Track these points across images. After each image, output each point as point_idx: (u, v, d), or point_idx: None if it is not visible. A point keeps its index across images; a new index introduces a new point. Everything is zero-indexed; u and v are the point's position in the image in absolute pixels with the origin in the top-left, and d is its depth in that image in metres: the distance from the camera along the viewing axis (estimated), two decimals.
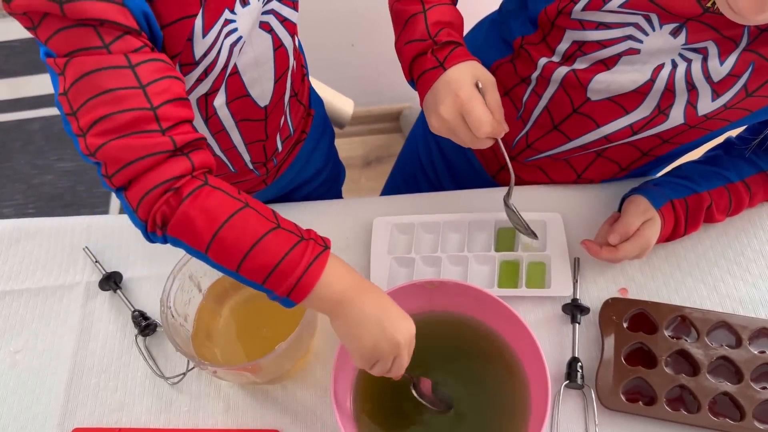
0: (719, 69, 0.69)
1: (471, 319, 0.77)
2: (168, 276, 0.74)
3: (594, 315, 0.81)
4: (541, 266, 0.85)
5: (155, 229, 0.58)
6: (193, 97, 0.70)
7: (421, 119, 1.12)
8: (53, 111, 2.12)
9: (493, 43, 0.88)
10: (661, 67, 0.72)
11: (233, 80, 0.73)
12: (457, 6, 0.81)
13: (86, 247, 0.92)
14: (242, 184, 0.92)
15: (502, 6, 0.91)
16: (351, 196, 1.36)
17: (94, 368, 0.83)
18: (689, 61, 0.70)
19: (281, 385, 0.79)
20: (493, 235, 0.87)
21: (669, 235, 0.83)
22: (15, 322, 0.87)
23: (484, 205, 0.91)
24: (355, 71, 1.77)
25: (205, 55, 0.65)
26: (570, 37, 0.76)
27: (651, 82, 0.73)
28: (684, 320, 0.79)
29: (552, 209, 0.89)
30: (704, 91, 0.72)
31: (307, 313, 0.71)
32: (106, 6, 0.54)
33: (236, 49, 0.69)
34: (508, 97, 0.87)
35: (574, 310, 0.80)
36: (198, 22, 0.62)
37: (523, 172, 0.95)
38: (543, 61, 0.80)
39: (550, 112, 0.84)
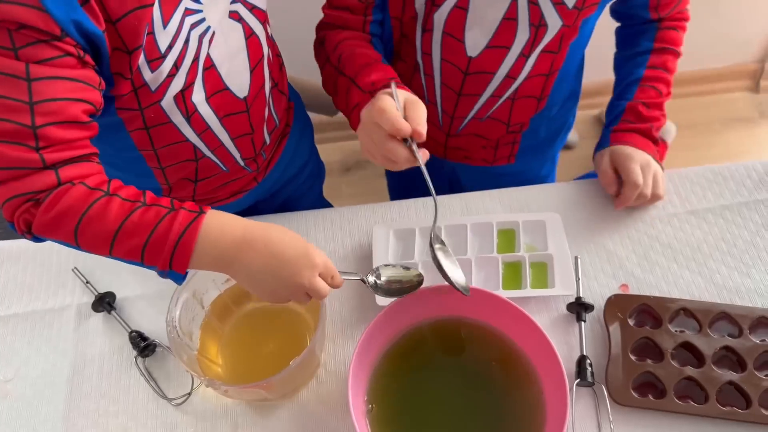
0: None
1: (481, 323, 0.77)
2: (172, 294, 0.72)
3: (598, 312, 0.82)
4: (543, 266, 0.85)
5: (23, 232, 0.60)
6: (170, 95, 0.69)
7: None
8: None
9: (387, 53, 0.93)
10: None
11: (210, 74, 0.72)
12: None
13: (75, 268, 0.88)
14: (235, 183, 0.91)
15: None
16: (333, 203, 1.36)
17: (92, 393, 0.80)
18: None
19: (290, 400, 0.78)
20: (494, 237, 0.87)
21: (649, 139, 0.89)
22: (3, 350, 0.84)
23: (481, 207, 0.91)
24: None
25: (170, 46, 0.64)
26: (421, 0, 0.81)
27: (515, 1, 0.77)
28: (686, 313, 0.80)
29: (551, 209, 0.90)
30: None
31: (319, 328, 0.70)
32: (25, 11, 0.53)
33: (206, 39, 0.68)
34: (411, 90, 0.91)
35: (578, 308, 0.81)
36: (156, 12, 0.62)
37: (461, 143, 1.01)
38: (418, 38, 0.85)
39: (447, 84, 0.90)
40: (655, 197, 0.88)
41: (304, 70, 1.15)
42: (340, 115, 1.96)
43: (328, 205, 1.32)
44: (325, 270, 0.66)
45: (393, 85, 0.73)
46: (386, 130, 0.69)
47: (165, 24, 0.63)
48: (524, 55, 0.84)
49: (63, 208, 0.58)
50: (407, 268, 0.76)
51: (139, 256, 0.60)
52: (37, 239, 0.62)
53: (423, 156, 0.71)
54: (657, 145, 0.91)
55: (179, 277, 0.62)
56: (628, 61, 0.95)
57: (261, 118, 0.85)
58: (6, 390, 0.81)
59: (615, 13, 0.96)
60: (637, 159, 0.87)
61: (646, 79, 0.92)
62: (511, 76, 0.87)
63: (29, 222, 0.59)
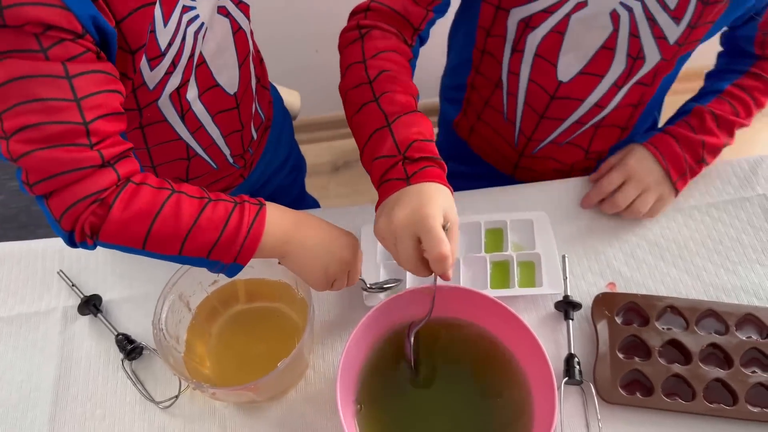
0: None
1: (468, 323, 0.77)
2: (158, 297, 0.72)
3: (585, 311, 0.82)
4: (530, 265, 0.85)
5: (84, 239, 0.58)
6: (166, 93, 0.69)
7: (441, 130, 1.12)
8: None
9: (462, 62, 0.91)
10: (617, 15, 0.74)
11: (201, 70, 0.72)
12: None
13: (61, 270, 0.88)
14: (223, 181, 0.91)
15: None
16: (322, 203, 1.36)
17: (78, 397, 0.79)
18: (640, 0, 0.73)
19: (278, 402, 0.77)
20: (482, 237, 0.87)
21: (684, 152, 0.85)
22: None
23: (469, 206, 0.91)
24: (320, 77, 1.75)
25: (170, 44, 0.64)
26: (515, 18, 0.77)
27: (615, 32, 0.75)
28: (673, 310, 0.81)
29: (538, 208, 0.90)
30: (665, 21, 0.74)
31: (307, 329, 0.69)
32: (49, 11, 0.52)
33: (200, 35, 0.68)
34: (489, 107, 0.91)
35: (566, 306, 0.81)
36: (157, 10, 0.61)
37: (534, 163, 0.97)
38: (506, 57, 0.82)
39: (531, 105, 0.87)
40: (630, 212, 0.86)
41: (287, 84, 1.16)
42: (329, 115, 1.96)
43: (311, 199, 1.32)
44: (360, 252, 0.71)
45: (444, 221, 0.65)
46: (433, 269, 0.65)
47: (165, 22, 0.63)
48: (617, 86, 0.82)
49: (137, 208, 0.58)
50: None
51: (207, 252, 0.61)
52: (98, 245, 0.60)
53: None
54: (696, 166, 0.86)
55: (238, 270, 0.64)
56: (716, 75, 0.91)
57: (249, 114, 0.86)
58: None
59: (722, 43, 0.92)
60: (636, 171, 0.84)
61: (727, 93, 0.87)
62: (599, 105, 0.85)
63: (95, 226, 0.57)
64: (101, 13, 0.56)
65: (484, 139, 1.00)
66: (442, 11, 0.81)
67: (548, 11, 0.75)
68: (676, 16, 0.73)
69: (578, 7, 0.73)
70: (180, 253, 0.60)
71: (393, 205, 0.66)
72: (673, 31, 0.75)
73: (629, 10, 0.73)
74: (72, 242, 0.59)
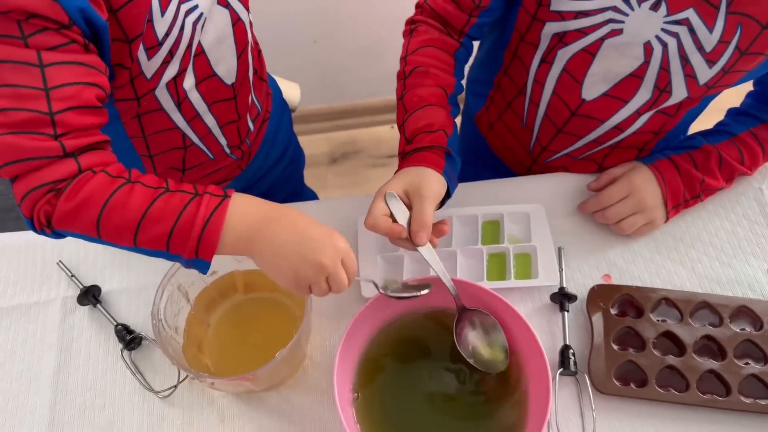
0: (709, 38, 0.70)
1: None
2: (157, 288, 0.72)
3: (581, 302, 0.83)
4: (527, 257, 0.86)
5: (42, 227, 0.59)
6: (163, 82, 0.70)
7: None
8: None
9: (492, 59, 0.91)
10: (650, 47, 0.73)
11: (199, 60, 0.73)
12: None
13: (60, 261, 0.88)
14: (221, 171, 0.91)
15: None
16: (320, 195, 1.36)
17: (78, 386, 0.80)
18: (676, 36, 0.72)
19: (276, 391, 0.78)
20: (479, 229, 0.88)
21: (683, 185, 0.85)
22: None
23: (467, 199, 0.91)
24: (318, 67, 1.75)
25: (167, 34, 0.65)
26: (550, 31, 0.77)
27: (646, 64, 0.75)
28: (668, 303, 0.81)
29: (535, 200, 0.90)
30: (698, 62, 0.73)
31: (304, 319, 0.70)
32: (36, 1, 0.52)
33: (199, 26, 0.69)
34: (510, 109, 0.91)
35: (562, 298, 0.82)
36: (154, 0, 0.61)
37: (547, 171, 0.97)
38: (534, 66, 0.81)
39: (551, 118, 0.87)
40: (615, 227, 0.86)
41: (284, 75, 1.16)
42: (327, 105, 1.97)
43: (309, 191, 1.32)
44: (347, 258, 0.64)
45: (386, 196, 0.72)
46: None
47: (163, 11, 0.63)
48: (639, 113, 0.82)
49: (85, 195, 0.57)
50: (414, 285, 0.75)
51: (165, 245, 0.58)
52: (56, 234, 0.60)
53: (438, 233, 0.72)
54: (691, 201, 0.86)
55: (205, 266, 0.60)
56: (737, 116, 0.89)
57: (246, 105, 0.86)
58: None
59: (754, 84, 0.89)
60: (639, 190, 0.83)
61: (739, 139, 0.86)
62: (619, 128, 0.85)
63: (50, 214, 0.57)
64: (93, 5, 0.56)
65: (501, 139, 1.00)
66: (488, 17, 0.82)
67: (583, 32, 0.75)
68: (710, 59, 0.73)
69: (613, 33, 0.73)
70: (135, 244, 0.58)
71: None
72: (704, 73, 0.75)
73: (664, 45, 0.73)
74: (34, 229, 0.59)
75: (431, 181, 0.72)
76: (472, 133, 1.08)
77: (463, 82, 0.86)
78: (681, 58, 0.73)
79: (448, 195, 0.76)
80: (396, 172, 0.76)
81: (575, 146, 0.91)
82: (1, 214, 1.84)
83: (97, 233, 0.58)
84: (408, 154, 0.76)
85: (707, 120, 0.92)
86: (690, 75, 0.75)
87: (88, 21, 0.56)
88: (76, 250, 0.90)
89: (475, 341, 0.75)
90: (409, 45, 0.83)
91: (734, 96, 0.91)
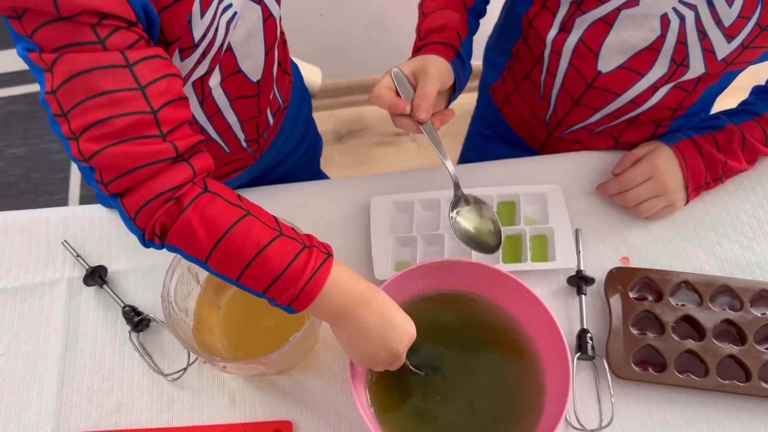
0: (729, 12, 0.68)
1: (480, 297, 0.76)
2: (167, 269, 0.70)
3: (599, 286, 0.81)
4: (543, 239, 0.84)
5: (153, 238, 0.56)
6: (191, 81, 0.67)
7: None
8: None
9: (511, 27, 0.88)
10: (667, 19, 0.71)
11: (227, 57, 0.70)
12: None
13: (65, 240, 0.86)
14: (234, 163, 0.89)
15: None
16: (326, 172, 1.34)
17: (85, 369, 0.78)
18: (695, 8, 0.70)
19: (288, 375, 0.77)
20: (494, 209, 0.86)
21: (705, 168, 0.83)
22: None
23: (482, 179, 0.89)
24: (324, 42, 1.71)
25: (204, 36, 0.61)
26: None
27: (662, 37, 0.73)
28: (687, 286, 0.80)
29: (551, 181, 0.88)
30: (717, 37, 0.71)
31: None
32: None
33: (232, 25, 0.65)
34: (528, 80, 0.89)
35: (579, 281, 0.80)
36: (196, 1, 0.58)
37: (562, 145, 0.95)
38: (551, 35, 0.79)
39: (567, 90, 0.85)
40: (634, 209, 0.85)
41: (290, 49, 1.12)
42: (332, 82, 1.93)
43: (325, 177, 1.30)
44: (410, 344, 0.65)
45: (392, 72, 0.72)
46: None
47: (203, 13, 0.60)
48: (655, 87, 0.80)
49: (208, 218, 0.54)
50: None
51: (264, 288, 0.57)
52: (164, 247, 0.57)
53: (442, 118, 0.73)
54: (713, 183, 0.85)
55: (292, 311, 0.60)
56: (761, 94, 0.86)
57: (268, 100, 0.83)
58: None
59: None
60: (661, 172, 0.82)
61: (763, 119, 0.83)
62: (635, 102, 0.82)
63: (166, 226, 0.55)
64: (151, 1, 0.53)
65: (516, 112, 0.98)
66: None
67: (600, 0, 0.73)
68: (729, 34, 0.71)
69: (629, 4, 0.72)
70: (239, 279, 0.57)
71: None
72: (723, 48, 0.72)
73: (681, 17, 0.71)
74: (143, 241, 0.56)
75: (437, 63, 0.73)
76: (488, 105, 1.05)
77: (481, 49, 0.85)
78: (699, 32, 0.71)
79: (455, 91, 0.76)
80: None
81: (591, 119, 0.89)
82: (2, 192, 1.81)
83: (206, 258, 0.56)
84: (418, 50, 0.77)
85: (732, 98, 0.89)
86: (708, 50, 0.73)
87: (147, 16, 0.54)
88: (81, 229, 0.88)
89: (467, 224, 0.74)
90: None
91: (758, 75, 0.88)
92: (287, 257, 0.57)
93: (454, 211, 0.73)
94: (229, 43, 0.68)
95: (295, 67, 1.00)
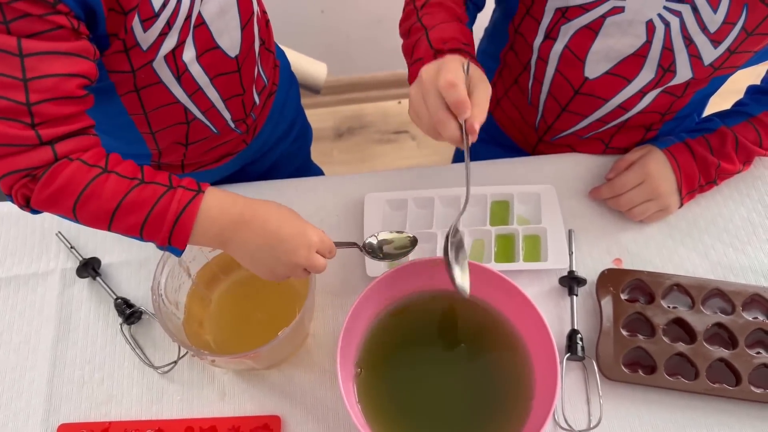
0: (714, 18, 0.68)
1: (471, 296, 0.76)
2: (157, 262, 0.70)
3: (590, 286, 0.81)
4: (536, 239, 0.84)
5: (21, 206, 0.60)
6: (161, 55, 0.67)
7: None
8: None
9: (499, 33, 0.88)
10: (652, 26, 0.71)
11: (200, 32, 0.70)
12: None
13: (59, 232, 0.86)
14: (225, 146, 0.89)
15: None
16: (324, 170, 1.34)
17: (77, 360, 0.79)
18: (679, 15, 0.69)
19: (278, 369, 0.77)
20: (487, 209, 0.86)
21: (698, 171, 0.83)
22: None
23: (476, 178, 0.89)
24: (325, 39, 1.71)
25: (164, 5, 0.62)
26: (552, 5, 0.75)
27: (648, 43, 0.73)
28: (679, 289, 0.80)
29: (545, 181, 0.88)
30: (703, 42, 0.71)
31: (308, 298, 0.68)
32: None
33: None
34: (516, 86, 0.89)
35: (571, 282, 0.80)
36: None
37: (552, 150, 0.95)
38: (537, 42, 0.79)
39: (554, 96, 0.85)
40: (628, 213, 0.85)
41: (290, 45, 1.12)
42: (333, 78, 1.93)
43: (316, 167, 1.30)
44: (322, 246, 0.65)
45: (467, 63, 0.66)
46: (448, 103, 0.63)
47: None
48: (643, 92, 0.79)
49: (60, 185, 0.57)
50: (400, 232, 0.75)
51: (138, 233, 0.60)
52: (35, 212, 0.61)
53: (471, 138, 0.65)
54: (706, 186, 0.84)
55: (178, 252, 0.62)
56: (756, 95, 0.85)
57: (251, 78, 0.83)
58: None
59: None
60: (653, 177, 0.82)
61: (757, 120, 0.82)
62: (623, 107, 0.82)
63: (27, 197, 0.58)
64: None
65: (507, 116, 0.98)
66: None
67: (584, 8, 0.73)
68: (715, 39, 0.70)
69: (614, 11, 0.71)
70: (109, 229, 0.60)
71: (422, 71, 0.67)
72: (709, 54, 0.72)
73: (666, 24, 0.71)
74: (15, 204, 0.60)
75: (484, 77, 0.67)
76: None
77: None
78: (684, 38, 0.71)
79: None
80: (427, 65, 0.68)
81: (580, 125, 0.89)
82: None
83: (74, 218, 0.60)
84: (442, 53, 0.69)
85: (726, 100, 0.89)
86: (694, 55, 0.73)
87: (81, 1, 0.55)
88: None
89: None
90: None
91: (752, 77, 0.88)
92: (149, 202, 0.59)
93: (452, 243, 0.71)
94: (201, 17, 0.69)
95: (282, 52, 1.01)
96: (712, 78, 0.78)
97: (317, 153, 1.25)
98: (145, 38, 0.64)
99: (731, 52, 0.72)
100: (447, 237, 0.70)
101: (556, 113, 0.88)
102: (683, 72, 0.75)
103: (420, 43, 0.72)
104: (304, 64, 1.37)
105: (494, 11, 0.94)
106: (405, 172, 0.92)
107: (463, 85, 0.63)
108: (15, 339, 0.80)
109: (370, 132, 1.88)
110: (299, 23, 1.62)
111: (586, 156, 0.92)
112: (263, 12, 0.85)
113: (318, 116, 1.85)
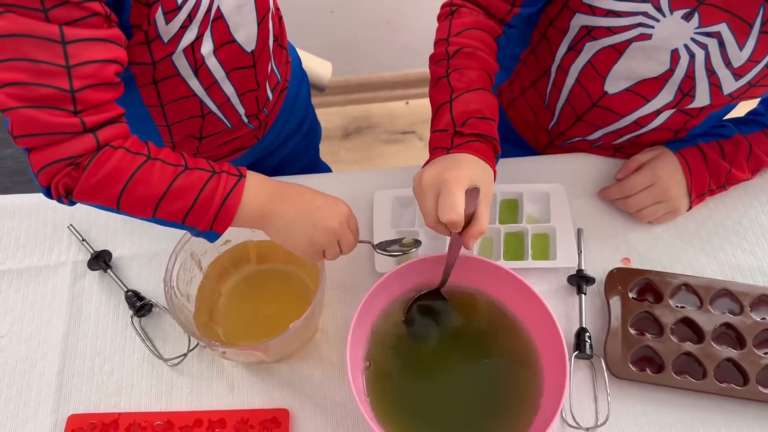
0: (739, 54, 0.70)
1: (480, 293, 0.77)
2: (170, 254, 0.71)
3: (599, 285, 0.81)
4: (545, 238, 0.84)
5: (60, 197, 0.60)
6: (181, 47, 0.68)
7: None
8: None
9: (520, 34, 0.88)
10: (677, 55, 0.72)
11: (218, 25, 0.71)
12: None
13: (71, 225, 0.87)
14: (237, 141, 0.90)
15: None
16: (332, 169, 1.34)
17: (87, 351, 0.79)
18: (705, 48, 0.71)
19: (287, 363, 0.77)
20: (497, 207, 0.86)
21: (709, 175, 0.83)
22: None
23: None
24: (333, 38, 1.72)
25: None
26: (578, 22, 0.76)
27: (671, 71, 0.74)
28: (687, 289, 0.80)
29: (555, 180, 0.88)
30: (725, 75, 0.72)
31: (318, 291, 0.69)
32: None
33: None
34: (533, 88, 0.89)
35: (579, 280, 0.80)
36: None
37: (562, 152, 0.95)
38: (561, 52, 0.80)
39: (572, 104, 0.85)
40: (636, 214, 0.85)
41: (299, 44, 1.13)
42: (341, 78, 1.94)
43: (324, 165, 1.30)
44: (351, 220, 0.68)
45: (469, 190, 0.65)
46: (441, 215, 0.64)
47: None
48: (659, 111, 0.80)
49: (107, 172, 0.58)
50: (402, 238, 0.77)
51: (182, 218, 0.62)
52: (73, 203, 0.61)
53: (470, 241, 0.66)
54: (716, 190, 0.85)
55: (215, 237, 0.64)
56: None
57: (265, 73, 0.84)
58: (0, 345, 0.80)
59: None
60: (663, 180, 0.82)
61: None
62: (638, 123, 0.83)
63: (69, 187, 0.59)
64: None
65: (520, 116, 0.99)
66: (531, 6, 0.79)
67: (612, 30, 0.73)
68: (737, 73, 0.72)
69: (642, 37, 0.72)
70: (153, 216, 0.61)
71: (428, 166, 0.68)
72: (730, 85, 0.74)
73: (691, 55, 0.72)
74: (50, 196, 0.60)
75: (491, 183, 0.68)
76: None
77: None
78: (707, 70, 0.73)
79: None
80: (452, 153, 0.68)
81: (593, 135, 0.89)
82: (13, 177, 1.83)
83: (117, 206, 0.60)
84: (462, 137, 0.69)
85: (740, 107, 0.89)
86: (715, 84, 0.74)
87: None
88: (87, 213, 0.89)
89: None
90: (452, 27, 0.78)
91: None
92: (196, 187, 0.61)
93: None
94: (220, 11, 0.70)
95: (294, 49, 1.01)
96: (727, 105, 0.79)
97: (325, 152, 1.26)
98: (167, 30, 0.65)
99: (751, 86, 0.73)
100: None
101: (571, 121, 0.88)
102: (702, 98, 0.76)
103: (443, 112, 0.72)
104: (310, 63, 1.38)
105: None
106: (413, 170, 0.91)
107: (460, 214, 0.63)
108: (26, 330, 0.81)
109: (378, 132, 1.89)
110: (309, 23, 1.63)
111: (596, 156, 0.92)
112: (277, 9, 0.86)
113: (326, 115, 1.85)
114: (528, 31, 0.87)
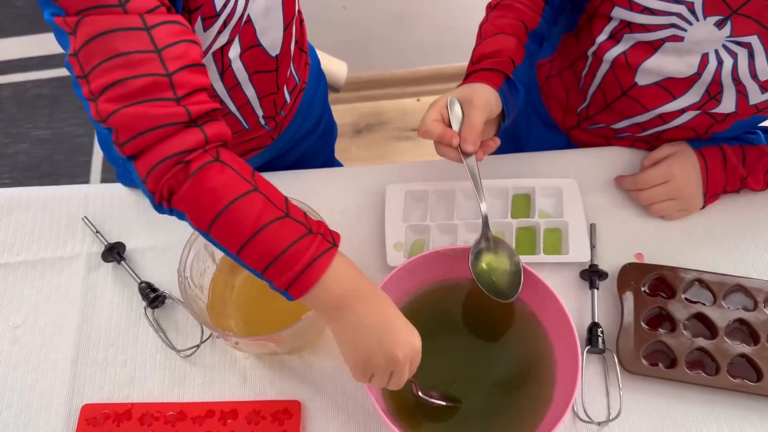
0: (766, 69, 0.70)
1: None
2: (184, 246, 0.71)
3: (611, 280, 0.81)
4: (557, 232, 0.84)
5: (162, 201, 0.57)
6: (211, 51, 0.68)
7: None
8: (25, 76, 2.03)
9: (567, 17, 0.89)
10: (706, 59, 0.73)
11: (246, 29, 0.71)
12: None
13: (85, 217, 0.88)
14: (253, 141, 0.90)
15: None
16: (343, 165, 1.34)
17: (100, 342, 0.80)
18: (735, 56, 0.71)
19: (299, 355, 0.78)
20: (509, 202, 0.86)
21: (726, 178, 0.83)
22: (13, 296, 0.84)
23: (497, 171, 0.89)
24: (346, 35, 1.72)
25: (225, 5, 0.63)
26: (618, 15, 0.76)
27: (698, 75, 0.74)
28: (701, 284, 0.79)
29: (568, 175, 0.88)
30: (752, 86, 0.73)
31: None
32: None
33: None
34: (571, 69, 0.90)
35: (592, 275, 0.80)
36: None
37: (586, 136, 0.96)
38: (601, 38, 0.80)
39: (603, 91, 0.86)
40: (648, 209, 0.85)
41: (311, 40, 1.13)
42: (353, 75, 1.94)
43: (338, 164, 1.30)
44: (415, 359, 0.62)
45: (448, 100, 0.73)
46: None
47: None
48: (684, 110, 0.81)
49: (212, 187, 0.55)
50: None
51: (263, 267, 0.57)
52: (171, 212, 0.58)
53: (485, 149, 0.75)
54: (730, 192, 0.85)
55: (289, 298, 0.59)
56: None
57: (285, 77, 0.84)
58: (15, 336, 0.81)
59: None
60: (677, 179, 0.82)
61: None
62: (662, 118, 0.83)
63: (174, 189, 0.55)
64: None
65: (553, 94, 0.99)
66: None
67: (647, 28, 0.74)
68: (764, 86, 0.72)
69: (674, 38, 0.73)
70: (239, 254, 0.57)
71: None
72: (756, 96, 0.74)
73: (719, 62, 0.72)
74: (154, 204, 0.58)
75: (483, 91, 0.73)
76: (530, 77, 1.06)
77: None
78: (733, 79, 0.73)
79: (504, 118, 0.76)
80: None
81: (619, 125, 0.89)
82: (26, 173, 1.85)
83: (208, 228, 0.57)
84: (468, 76, 0.77)
85: None
86: (742, 93, 0.75)
87: None
88: (101, 206, 0.90)
89: (488, 269, 0.74)
90: None
91: None
92: (288, 239, 0.56)
93: (475, 253, 0.73)
94: (249, 15, 0.70)
95: (313, 50, 1.01)
96: (754, 116, 0.79)
97: (336, 149, 1.26)
98: (205, 37, 0.64)
99: None
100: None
101: (600, 107, 0.89)
102: (728, 104, 0.77)
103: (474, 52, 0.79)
104: (326, 63, 1.39)
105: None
106: (426, 165, 0.93)
107: (433, 126, 0.72)
108: (40, 321, 0.82)
109: (389, 129, 1.89)
110: (321, 19, 1.63)
111: (610, 151, 0.92)
112: (299, 12, 0.85)
113: (337, 112, 1.84)
114: (574, 14, 0.88)
